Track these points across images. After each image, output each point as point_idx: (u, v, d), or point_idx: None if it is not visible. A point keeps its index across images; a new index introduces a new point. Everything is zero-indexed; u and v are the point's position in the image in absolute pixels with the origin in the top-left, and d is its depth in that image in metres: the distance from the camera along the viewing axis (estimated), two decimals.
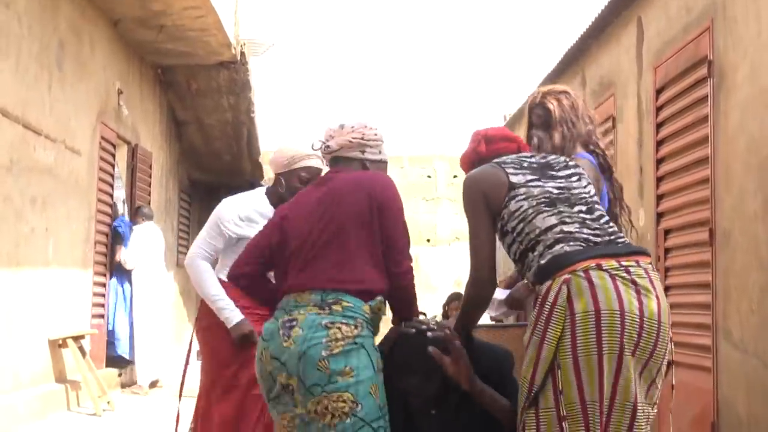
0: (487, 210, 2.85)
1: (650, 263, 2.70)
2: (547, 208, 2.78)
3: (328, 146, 3.15)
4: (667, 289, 5.11)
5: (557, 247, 2.68)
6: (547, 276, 2.64)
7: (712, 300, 4.53)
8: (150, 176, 10.76)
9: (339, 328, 2.84)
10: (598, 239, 2.71)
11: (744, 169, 4.26)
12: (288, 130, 28.00)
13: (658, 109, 5.41)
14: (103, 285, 8.79)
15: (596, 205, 2.86)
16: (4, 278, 6.29)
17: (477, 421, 2.90)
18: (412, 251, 3.10)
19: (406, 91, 31.54)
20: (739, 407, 4.24)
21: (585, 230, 2.73)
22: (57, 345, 7.29)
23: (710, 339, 4.54)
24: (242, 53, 10.16)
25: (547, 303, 2.58)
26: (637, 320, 2.54)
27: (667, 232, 5.19)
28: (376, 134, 3.17)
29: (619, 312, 2.52)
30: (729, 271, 4.38)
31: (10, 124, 6.30)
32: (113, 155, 9.13)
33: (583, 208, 2.82)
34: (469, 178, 2.94)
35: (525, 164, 2.93)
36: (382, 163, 3.19)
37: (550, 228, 2.73)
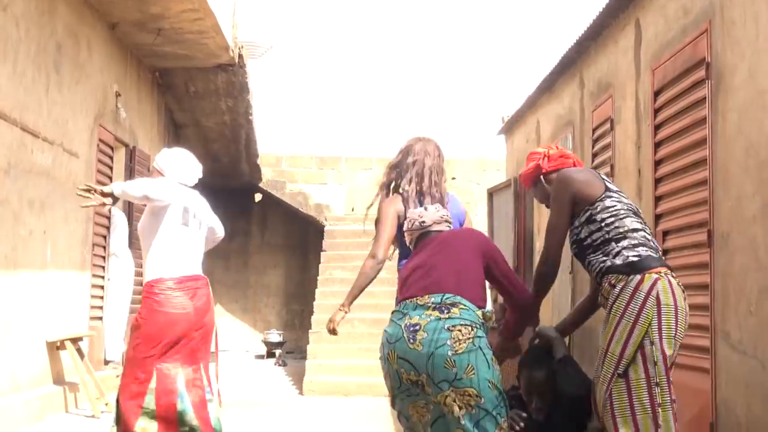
0: (572, 204, 3.54)
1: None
2: (633, 216, 3.51)
3: (424, 222, 3.78)
4: None
5: (641, 249, 3.41)
6: (636, 270, 3.35)
7: (711, 301, 4.52)
8: None
9: (460, 331, 3.32)
10: (659, 252, 3.50)
11: (742, 171, 4.26)
12: (286, 132, 28.03)
13: (656, 111, 5.40)
14: (101, 287, 8.78)
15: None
16: (2, 281, 6.28)
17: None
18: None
19: (403, 93, 31.57)
20: (738, 409, 4.23)
21: (653, 243, 3.49)
22: (55, 347, 7.28)
23: (709, 340, 4.54)
24: (240, 56, 10.15)
25: (640, 292, 3.30)
26: (685, 314, 3.36)
27: (665, 233, 5.19)
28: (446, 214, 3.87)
29: (684, 310, 3.35)
30: (727, 272, 4.38)
31: (7, 127, 6.29)
32: (111, 158, 9.12)
33: (648, 227, 3.59)
34: (565, 175, 3.58)
35: (609, 180, 3.71)
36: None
37: (636, 230, 3.46)
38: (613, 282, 3.38)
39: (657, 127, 5.38)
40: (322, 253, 13.48)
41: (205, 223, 4.70)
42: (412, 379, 3.37)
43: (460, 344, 3.31)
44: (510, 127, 11.03)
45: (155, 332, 4.38)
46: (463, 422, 3.28)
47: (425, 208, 3.87)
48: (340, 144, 28.33)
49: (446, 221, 3.81)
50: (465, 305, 3.40)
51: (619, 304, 3.32)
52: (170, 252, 4.49)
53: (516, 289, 3.61)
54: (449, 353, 3.29)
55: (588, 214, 3.50)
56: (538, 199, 3.94)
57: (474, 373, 3.28)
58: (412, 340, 3.36)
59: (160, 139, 11.64)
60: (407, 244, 3.92)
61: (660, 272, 3.34)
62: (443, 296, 3.42)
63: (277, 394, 9.98)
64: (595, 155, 6.90)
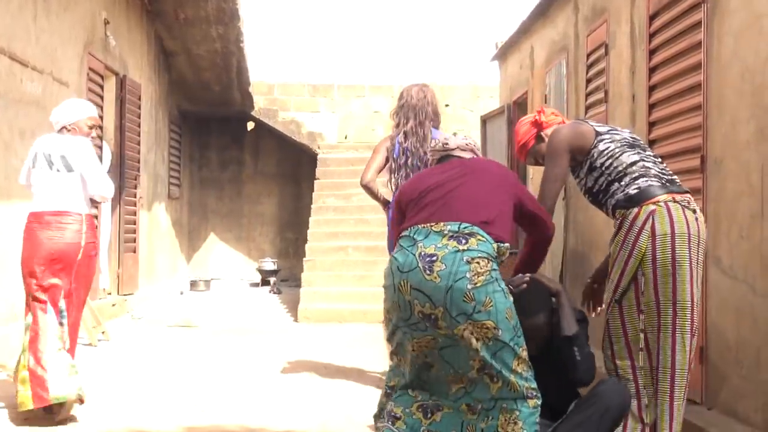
0: (569, 157, 3.72)
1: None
2: (629, 149, 3.64)
3: (447, 144, 3.71)
4: None
5: (641, 180, 3.54)
6: (633, 204, 3.51)
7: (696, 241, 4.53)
8: (139, 107, 10.68)
9: (478, 263, 3.20)
10: (666, 177, 3.58)
11: (737, 96, 4.24)
12: (278, 60, 27.73)
13: (651, 36, 5.35)
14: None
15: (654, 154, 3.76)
16: None
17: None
18: None
19: (396, 19, 31.18)
20: (728, 333, 4.29)
21: (657, 168, 3.60)
22: None
23: None
24: None
25: (635, 226, 3.47)
26: (696, 237, 3.44)
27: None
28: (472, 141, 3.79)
29: (686, 234, 3.42)
30: (720, 198, 4.39)
31: None
32: (101, 86, 9.04)
33: (651, 153, 3.70)
34: (558, 131, 3.74)
35: (598, 124, 3.83)
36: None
37: (634, 163, 3.58)
38: (618, 216, 3.59)
39: (652, 52, 5.34)
40: (315, 181, 13.48)
41: (73, 166, 4.99)
42: (425, 312, 3.21)
43: (479, 277, 3.17)
44: (503, 53, 10.93)
45: (24, 258, 4.91)
46: (481, 354, 3.19)
47: (454, 134, 3.80)
48: (333, 71, 28.09)
49: (472, 150, 3.71)
50: (483, 236, 3.25)
51: (619, 236, 3.54)
52: (36, 191, 5.00)
53: (544, 223, 3.59)
54: (468, 286, 3.15)
55: (588, 163, 3.70)
56: (532, 162, 4.05)
57: (492, 306, 3.17)
58: (428, 271, 3.19)
59: (151, 68, 11.52)
60: (429, 164, 4.19)
61: (658, 201, 3.46)
62: (460, 225, 3.27)
63: (271, 321, 10.08)
64: (589, 81, 6.86)
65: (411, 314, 3.25)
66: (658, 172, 3.59)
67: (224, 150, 15.52)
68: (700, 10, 4.65)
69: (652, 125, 5.30)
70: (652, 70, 5.34)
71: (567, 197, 7.39)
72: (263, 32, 29.93)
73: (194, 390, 5.76)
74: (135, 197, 10.54)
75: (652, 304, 3.43)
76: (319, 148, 14.54)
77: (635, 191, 3.53)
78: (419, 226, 3.33)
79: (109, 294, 9.65)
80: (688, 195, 3.57)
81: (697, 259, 3.45)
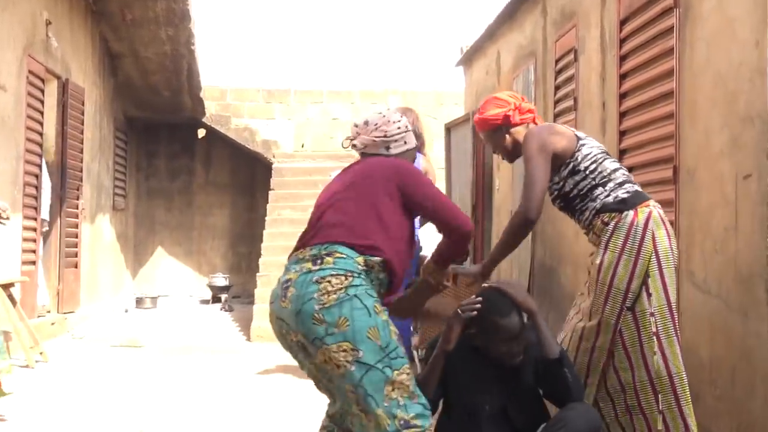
0: (550, 156, 3.73)
1: None
2: (607, 156, 3.81)
3: (354, 145, 3.54)
4: None
5: (627, 186, 3.72)
6: (628, 206, 3.65)
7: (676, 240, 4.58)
8: (83, 113, 10.58)
9: (329, 282, 3.11)
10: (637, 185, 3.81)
11: (710, 104, 4.30)
12: (231, 64, 27.64)
13: (622, 41, 5.41)
14: (34, 230, 8.67)
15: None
16: None
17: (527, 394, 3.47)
18: None
19: (358, 22, 31.23)
20: (701, 350, 4.33)
21: (630, 176, 3.83)
22: None
23: None
24: None
25: (637, 227, 3.60)
26: (675, 240, 3.70)
27: (629, 169, 5.21)
28: (399, 127, 3.54)
29: (672, 235, 3.66)
30: (693, 210, 4.44)
31: None
32: (42, 91, 8.94)
33: (618, 164, 3.88)
34: (539, 130, 3.80)
35: (571, 129, 3.93)
36: (411, 151, 3.58)
37: (616, 170, 3.76)
38: (606, 220, 3.67)
39: (622, 58, 5.39)
40: (270, 192, 13.44)
41: None
42: (293, 339, 3.18)
43: (329, 296, 3.08)
44: (469, 58, 10.99)
45: None
46: (347, 380, 3.08)
47: (365, 122, 3.59)
48: (289, 76, 28.03)
49: (385, 142, 3.52)
50: (342, 253, 3.17)
51: (616, 240, 3.62)
52: None
53: (448, 220, 3.34)
54: (316, 307, 3.07)
55: (570, 167, 3.75)
56: (491, 144, 4.09)
57: (348, 325, 3.06)
58: (283, 298, 3.18)
59: (95, 71, 11.42)
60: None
61: (649, 205, 3.67)
62: (322, 246, 3.21)
63: (222, 340, 10.01)
64: (558, 88, 6.92)
65: (290, 344, 3.23)
66: (632, 180, 3.81)
67: (173, 158, 15.42)
68: (672, 15, 4.71)
69: (622, 134, 5.35)
70: (622, 77, 5.39)
71: None
72: (215, 34, 29.85)
73: (137, 414, 5.70)
74: (77, 209, 10.43)
75: (664, 307, 3.55)
76: (274, 156, 14.50)
77: (626, 195, 3.68)
78: (293, 255, 3.33)
79: (48, 312, 9.53)
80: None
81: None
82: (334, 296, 3.08)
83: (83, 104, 10.59)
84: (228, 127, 14.58)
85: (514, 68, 8.46)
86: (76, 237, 10.44)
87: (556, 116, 6.87)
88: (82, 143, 10.60)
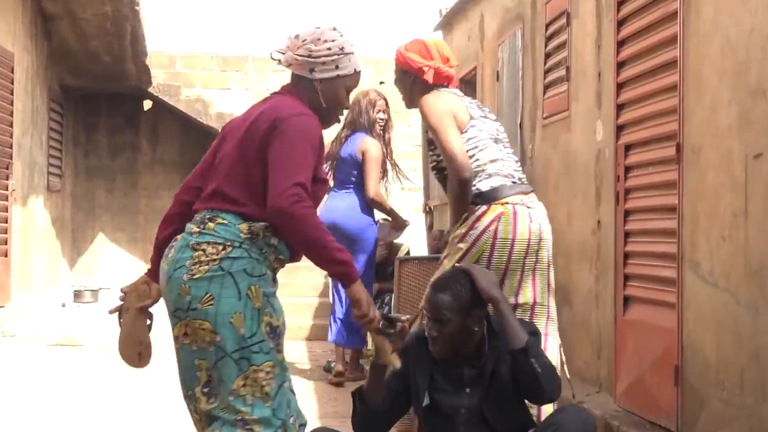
0: (452, 118, 4.26)
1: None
2: (493, 144, 4.30)
3: (280, 60, 3.44)
4: (626, 213, 5.19)
5: (494, 179, 4.25)
6: (483, 201, 4.24)
7: (678, 226, 4.61)
8: (12, 82, 10.48)
9: (204, 250, 3.12)
10: (516, 176, 4.36)
11: (717, 74, 4.31)
12: (181, 27, 27.43)
13: (620, 4, 5.42)
14: None
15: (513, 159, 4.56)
16: None
17: (504, 409, 3.56)
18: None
19: None
20: (707, 349, 4.36)
21: (512, 168, 4.37)
22: None
23: (675, 271, 4.64)
24: None
25: (480, 224, 4.21)
26: (536, 241, 4.32)
27: (627, 147, 5.25)
28: (329, 48, 3.37)
29: (527, 240, 4.27)
30: (698, 192, 4.46)
31: None
32: None
33: (509, 151, 4.45)
34: (437, 99, 4.31)
35: (473, 104, 4.47)
36: (345, 78, 3.42)
37: (494, 161, 4.25)
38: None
39: (620, 23, 5.40)
40: None
41: None
42: (169, 308, 3.24)
43: (199, 267, 3.10)
44: (449, 21, 10.97)
45: None
46: (196, 363, 3.15)
47: (296, 35, 3.44)
48: (246, 42, 27.89)
49: (309, 63, 3.36)
50: (224, 219, 3.16)
51: (461, 230, 4.27)
52: None
53: (272, 178, 3.14)
54: (185, 277, 3.11)
55: None
56: (397, 84, 4.67)
57: (212, 304, 3.08)
58: (165, 257, 3.25)
59: (26, 35, 11.31)
60: None
61: (506, 203, 4.25)
62: (207, 212, 3.22)
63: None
64: (548, 55, 6.93)
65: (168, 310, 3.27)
66: (512, 171, 4.36)
67: (116, 133, 15.31)
68: None
69: (620, 108, 5.37)
70: (620, 44, 5.40)
71: None
72: None
73: (75, 422, 5.68)
74: (6, 189, 10.34)
75: None
76: None
77: (487, 188, 4.27)
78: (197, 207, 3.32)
79: None
80: (533, 194, 4.46)
81: (535, 262, 4.34)
82: (206, 267, 3.10)
83: (12, 71, 10.49)
84: (177, 98, 14.48)
85: (500, 33, 8.46)
86: (6, 222, 10.36)
87: (547, 87, 6.88)
88: (11, 115, 10.49)
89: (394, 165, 7.58)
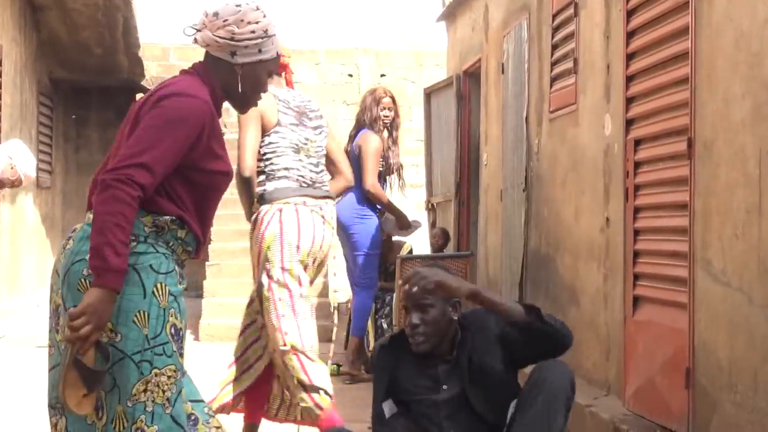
0: (260, 120, 4.85)
1: (333, 203, 5.11)
2: (292, 153, 4.89)
3: (195, 39, 3.26)
4: (636, 210, 5.19)
5: (280, 182, 4.86)
6: (264, 201, 4.87)
7: (690, 223, 4.62)
8: (0, 74, 10.47)
9: None
10: (309, 182, 4.92)
11: (730, 67, 4.31)
12: (175, 17, 27.45)
13: None
14: None
15: (322, 159, 5.08)
16: None
17: (484, 399, 3.68)
18: None
19: None
20: (720, 351, 4.36)
21: (308, 176, 4.93)
22: None
23: (686, 270, 4.64)
24: None
25: (262, 224, 4.82)
26: (320, 241, 4.89)
27: (637, 142, 5.25)
28: (253, 31, 3.22)
29: (310, 240, 4.85)
30: (710, 189, 4.47)
31: None
32: None
33: (314, 160, 4.98)
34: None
35: (292, 105, 4.98)
36: (264, 63, 3.28)
37: (288, 169, 4.88)
38: (253, 210, 4.91)
39: (630, 13, 5.40)
40: None
41: None
42: (56, 302, 3.06)
43: None
44: (452, 12, 10.97)
45: None
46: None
47: (215, 13, 3.28)
48: None
49: (230, 47, 3.22)
50: None
51: (255, 232, 4.89)
52: None
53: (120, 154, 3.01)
54: (85, 272, 2.95)
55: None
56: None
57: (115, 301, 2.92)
58: (62, 249, 3.09)
59: (15, 26, 11.31)
60: None
61: (289, 202, 4.82)
62: None
63: None
64: (555, 47, 6.92)
65: (53, 308, 3.10)
66: (307, 178, 4.94)
67: (107, 128, 15.30)
68: None
69: (629, 101, 5.36)
70: (630, 35, 5.40)
71: (528, 187, 7.47)
72: None
73: None
74: None
75: (281, 290, 4.84)
76: (225, 126, 14.44)
77: (271, 189, 4.87)
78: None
79: None
80: (325, 201, 4.99)
81: (314, 261, 4.93)
82: None
83: (0, 64, 10.48)
84: None
85: (505, 24, 8.46)
86: None
87: (553, 80, 6.88)
88: None
89: (399, 168, 7.89)
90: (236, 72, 3.23)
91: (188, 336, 10.29)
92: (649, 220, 5.12)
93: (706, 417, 4.47)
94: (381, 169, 7.62)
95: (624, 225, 5.36)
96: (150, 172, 2.95)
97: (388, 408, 3.72)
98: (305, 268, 4.86)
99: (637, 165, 5.22)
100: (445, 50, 12.00)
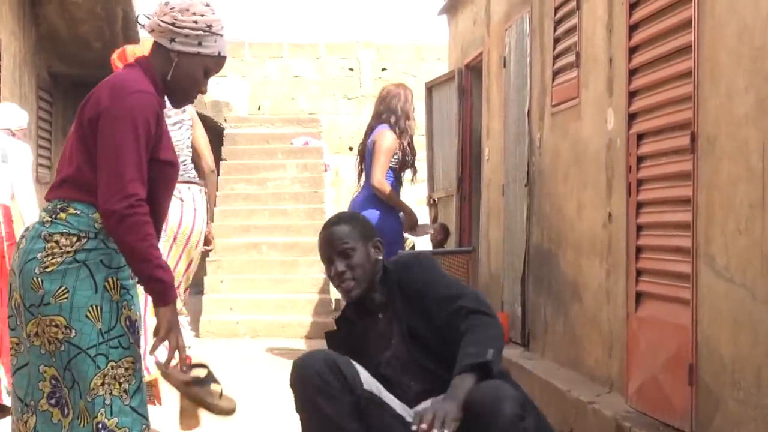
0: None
1: (199, 188, 5.85)
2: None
3: (143, 25, 3.33)
4: (638, 205, 5.18)
5: None
6: None
7: (693, 218, 4.61)
8: None
9: (57, 242, 3.06)
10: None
11: (733, 61, 4.30)
12: None
13: None
14: None
15: (185, 150, 5.71)
16: None
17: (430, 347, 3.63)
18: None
19: None
20: (723, 347, 4.36)
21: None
22: None
23: (689, 265, 4.64)
24: None
25: None
26: (176, 220, 5.60)
27: (640, 136, 5.25)
28: (195, 21, 3.24)
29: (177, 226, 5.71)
30: (713, 183, 4.46)
31: None
32: None
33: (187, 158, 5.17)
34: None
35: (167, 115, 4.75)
36: (201, 57, 3.28)
37: None
38: None
39: (632, 6, 5.39)
40: (221, 162, 13.38)
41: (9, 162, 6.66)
42: (16, 299, 3.14)
43: (53, 259, 3.04)
44: (453, 5, 10.96)
45: None
46: (54, 360, 3.04)
47: (165, 2, 3.36)
48: (243, 27, 27.85)
49: (171, 33, 3.26)
50: (76, 209, 3.10)
51: None
52: None
53: (101, 180, 3.09)
54: (37, 270, 3.04)
55: None
56: None
57: (67, 298, 3.03)
58: (17, 247, 3.18)
59: (14, 19, 11.30)
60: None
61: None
62: (59, 201, 3.14)
63: None
64: (557, 40, 6.91)
65: (14, 306, 3.18)
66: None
67: None
68: None
69: (632, 95, 5.36)
70: (632, 28, 5.39)
71: (530, 182, 7.46)
72: None
73: None
74: None
75: None
76: (225, 121, 14.45)
77: None
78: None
79: None
80: (187, 186, 5.67)
81: (184, 244, 5.78)
82: (59, 260, 3.05)
83: None
84: None
85: (507, 18, 8.45)
86: None
87: (555, 74, 6.87)
88: None
89: (413, 163, 7.78)
90: (172, 59, 3.27)
91: (189, 333, 10.33)
92: (652, 215, 5.11)
93: (709, 414, 4.46)
94: (395, 165, 7.51)
95: (627, 220, 5.35)
96: (140, 181, 3.07)
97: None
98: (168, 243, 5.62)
99: (640, 159, 5.21)
100: (446, 44, 11.99)
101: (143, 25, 3.32)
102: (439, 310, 3.61)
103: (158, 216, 3.26)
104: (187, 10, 3.24)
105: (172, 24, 3.23)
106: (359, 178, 7.67)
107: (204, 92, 3.41)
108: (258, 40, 15.40)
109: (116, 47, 13.22)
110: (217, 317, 10.29)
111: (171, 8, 3.25)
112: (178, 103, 3.43)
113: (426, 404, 3.42)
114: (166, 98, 3.34)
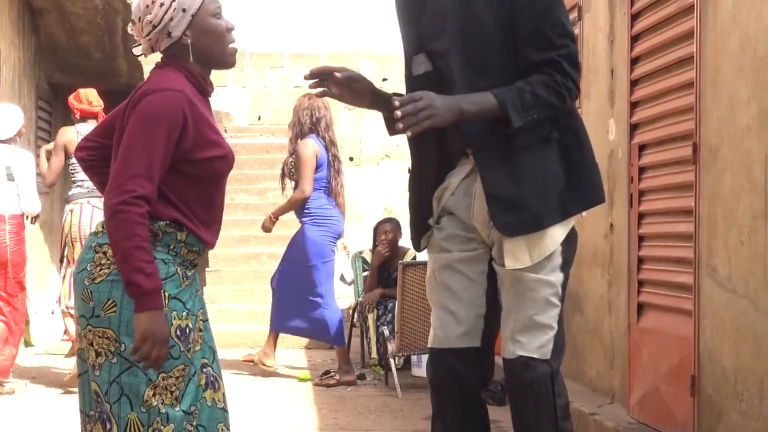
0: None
1: None
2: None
3: (144, 55, 3.35)
4: (640, 216, 5.19)
5: (75, 189, 7.44)
6: (66, 202, 7.57)
7: (695, 230, 4.61)
8: None
9: (105, 253, 3.04)
10: (93, 188, 6.08)
11: (735, 71, 4.31)
12: None
13: None
14: None
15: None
16: None
17: None
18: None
19: None
20: (725, 358, 4.36)
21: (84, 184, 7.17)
22: None
23: (691, 276, 4.64)
24: None
25: (64, 220, 7.49)
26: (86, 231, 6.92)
27: (642, 147, 5.25)
28: (162, 4, 3.15)
29: (88, 228, 7.19)
30: (715, 194, 4.46)
31: None
32: None
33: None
34: (65, 131, 7.77)
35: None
36: (198, 14, 3.21)
37: (83, 180, 7.21)
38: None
39: (634, 17, 5.40)
40: None
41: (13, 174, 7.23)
42: (79, 309, 3.15)
43: (101, 270, 3.04)
44: None
45: None
46: (98, 373, 3.02)
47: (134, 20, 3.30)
48: (243, 37, 27.83)
49: (149, 40, 3.20)
50: None
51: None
52: None
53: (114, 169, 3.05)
54: (86, 281, 3.05)
55: None
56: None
57: (115, 311, 3.01)
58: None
59: (13, 29, 11.32)
60: None
61: (78, 202, 7.36)
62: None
63: None
64: None
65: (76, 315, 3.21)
66: (91, 187, 6.83)
67: None
68: None
69: (634, 106, 5.36)
70: (634, 39, 5.40)
71: None
72: None
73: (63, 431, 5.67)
74: None
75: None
76: (225, 131, 14.43)
77: (67, 195, 7.51)
78: None
79: None
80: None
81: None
82: (107, 271, 3.04)
83: None
84: None
85: None
86: None
87: None
88: None
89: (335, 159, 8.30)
90: (187, 43, 3.18)
91: None
92: (654, 226, 5.11)
93: (711, 425, 4.46)
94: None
95: (628, 231, 5.36)
96: (147, 180, 2.98)
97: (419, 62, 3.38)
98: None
99: (642, 170, 5.21)
100: None
101: (144, 54, 3.29)
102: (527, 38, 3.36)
103: (213, 213, 3.23)
104: (147, 6, 3.15)
105: (155, 27, 3.15)
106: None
107: (232, 28, 3.30)
108: (258, 50, 15.40)
109: (116, 58, 13.30)
110: (216, 328, 10.24)
111: (140, 19, 3.18)
112: (224, 65, 3.33)
113: (427, 93, 3.14)
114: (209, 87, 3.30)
